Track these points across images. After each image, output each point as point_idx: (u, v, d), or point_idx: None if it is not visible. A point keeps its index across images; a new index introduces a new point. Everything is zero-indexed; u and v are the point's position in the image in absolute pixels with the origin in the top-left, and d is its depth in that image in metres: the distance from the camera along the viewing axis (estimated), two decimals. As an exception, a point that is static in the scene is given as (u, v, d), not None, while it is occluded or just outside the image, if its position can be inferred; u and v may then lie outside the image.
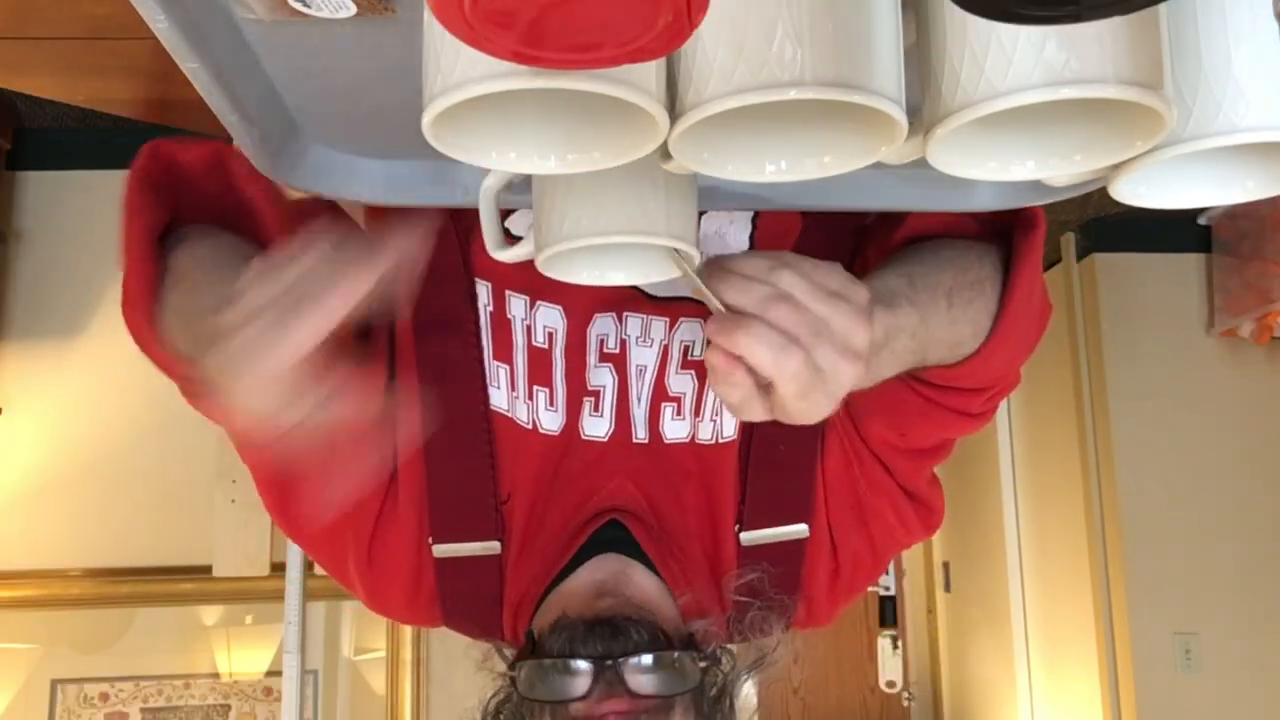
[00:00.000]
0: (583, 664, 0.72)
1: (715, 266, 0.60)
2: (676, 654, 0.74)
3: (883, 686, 3.79)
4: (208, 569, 2.13)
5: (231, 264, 0.66)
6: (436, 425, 0.81)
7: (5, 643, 2.17)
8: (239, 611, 2.24)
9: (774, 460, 0.84)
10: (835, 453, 0.84)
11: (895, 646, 3.78)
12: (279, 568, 2.02)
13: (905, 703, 3.85)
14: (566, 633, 0.74)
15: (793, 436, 0.83)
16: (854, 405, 0.78)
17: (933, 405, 0.77)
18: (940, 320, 0.71)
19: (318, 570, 2.06)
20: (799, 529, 0.85)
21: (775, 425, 0.62)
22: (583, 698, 0.72)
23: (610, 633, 0.73)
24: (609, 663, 0.72)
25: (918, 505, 0.87)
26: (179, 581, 2.20)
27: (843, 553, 0.86)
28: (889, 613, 3.81)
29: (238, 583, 2.15)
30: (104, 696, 2.18)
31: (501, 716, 0.78)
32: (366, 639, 2.29)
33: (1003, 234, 0.78)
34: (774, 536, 0.85)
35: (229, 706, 2.21)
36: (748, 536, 0.84)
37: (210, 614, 2.25)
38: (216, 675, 2.22)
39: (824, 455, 0.84)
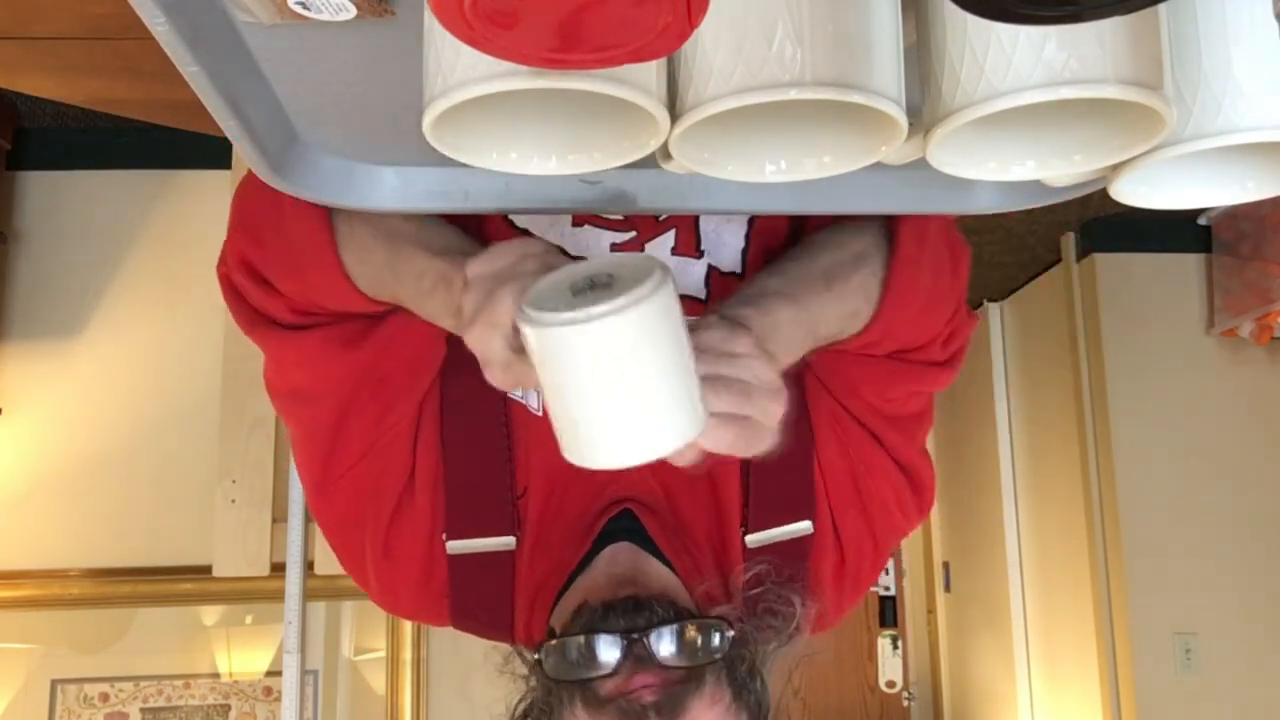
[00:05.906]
0: (609, 639, 0.71)
1: None
2: (703, 622, 0.73)
3: (883, 686, 3.79)
4: (208, 569, 2.13)
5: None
6: (455, 415, 0.81)
7: (5, 643, 2.17)
8: (239, 611, 2.24)
9: (774, 459, 0.84)
10: (830, 441, 0.84)
11: (895, 646, 3.78)
12: (279, 568, 2.02)
13: (905, 703, 3.85)
14: (589, 615, 0.73)
15: (789, 434, 0.83)
16: (834, 387, 0.83)
17: (898, 362, 0.81)
18: (822, 300, 0.75)
19: (318, 570, 2.06)
20: (803, 526, 0.85)
21: None
22: (612, 674, 0.70)
23: (633, 607, 0.73)
24: (635, 636, 0.71)
25: (912, 481, 0.87)
26: (179, 581, 2.19)
27: (846, 542, 0.86)
28: (889, 613, 3.81)
29: (238, 583, 2.14)
30: (104, 696, 2.18)
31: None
32: (366, 639, 2.28)
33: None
34: (779, 536, 0.84)
35: (229, 706, 2.21)
36: (753, 538, 0.84)
37: (210, 614, 2.24)
38: (216, 675, 2.22)
39: (818, 447, 0.85)
